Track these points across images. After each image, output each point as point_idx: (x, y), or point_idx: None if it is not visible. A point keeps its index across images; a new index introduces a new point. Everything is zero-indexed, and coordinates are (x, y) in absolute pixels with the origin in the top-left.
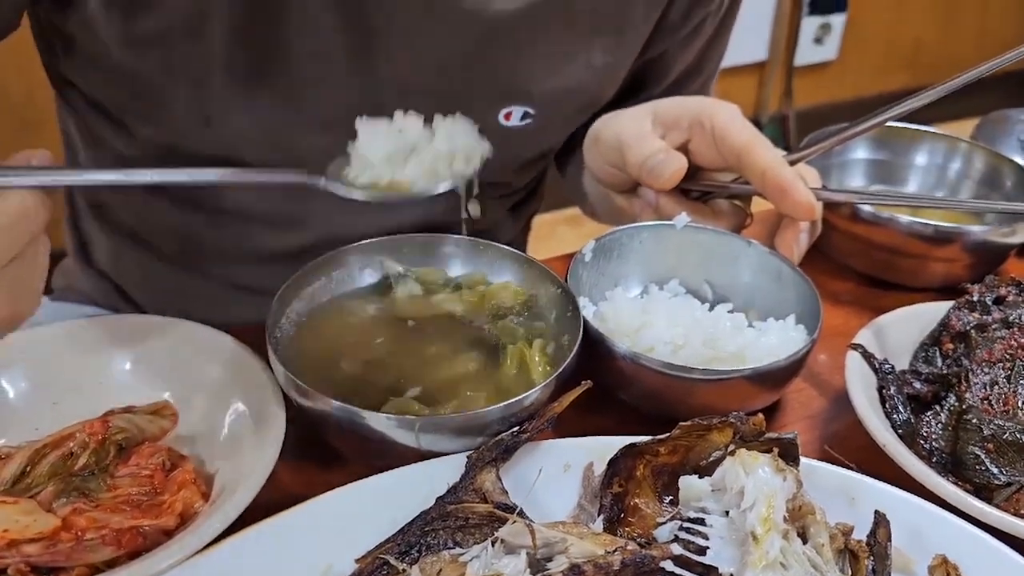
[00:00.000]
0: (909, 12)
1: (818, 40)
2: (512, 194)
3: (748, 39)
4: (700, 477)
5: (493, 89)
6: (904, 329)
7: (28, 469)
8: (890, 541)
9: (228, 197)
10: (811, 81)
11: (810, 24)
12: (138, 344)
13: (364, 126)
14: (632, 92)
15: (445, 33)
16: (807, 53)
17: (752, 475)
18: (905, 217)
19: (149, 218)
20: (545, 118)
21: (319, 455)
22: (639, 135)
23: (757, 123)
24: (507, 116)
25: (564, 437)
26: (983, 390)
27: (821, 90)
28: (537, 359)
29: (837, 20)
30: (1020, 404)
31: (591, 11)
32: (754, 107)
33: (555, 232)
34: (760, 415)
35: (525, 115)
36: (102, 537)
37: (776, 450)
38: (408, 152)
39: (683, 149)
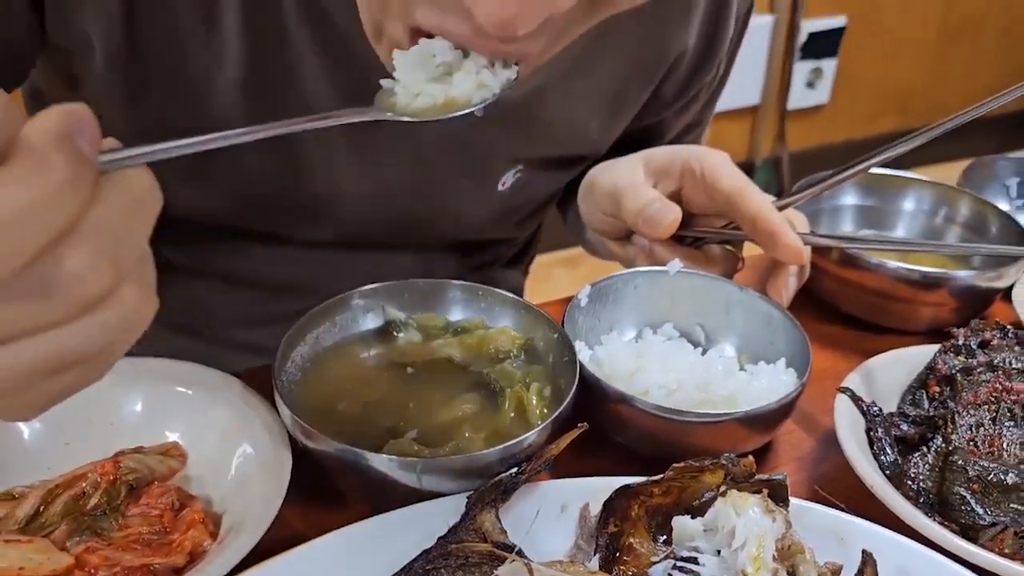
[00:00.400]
0: (899, 58)
1: (810, 84)
2: (514, 245)
3: (742, 83)
4: (693, 517)
5: (493, 160)
6: (892, 372)
7: (41, 509)
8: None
9: (239, 265)
10: (804, 124)
11: (802, 69)
12: (149, 386)
13: (398, 58)
14: (630, 149)
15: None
16: (800, 97)
17: (743, 515)
18: (893, 263)
19: (162, 287)
20: (536, 175)
21: (324, 496)
22: (634, 185)
23: (751, 165)
24: (503, 184)
25: (561, 478)
26: (969, 432)
27: (814, 133)
28: (535, 402)
29: (828, 65)
30: (1005, 445)
31: (585, 93)
32: (748, 150)
33: (551, 274)
34: (751, 457)
35: (516, 174)
36: (114, 574)
37: (766, 491)
38: (447, 71)
39: (675, 196)
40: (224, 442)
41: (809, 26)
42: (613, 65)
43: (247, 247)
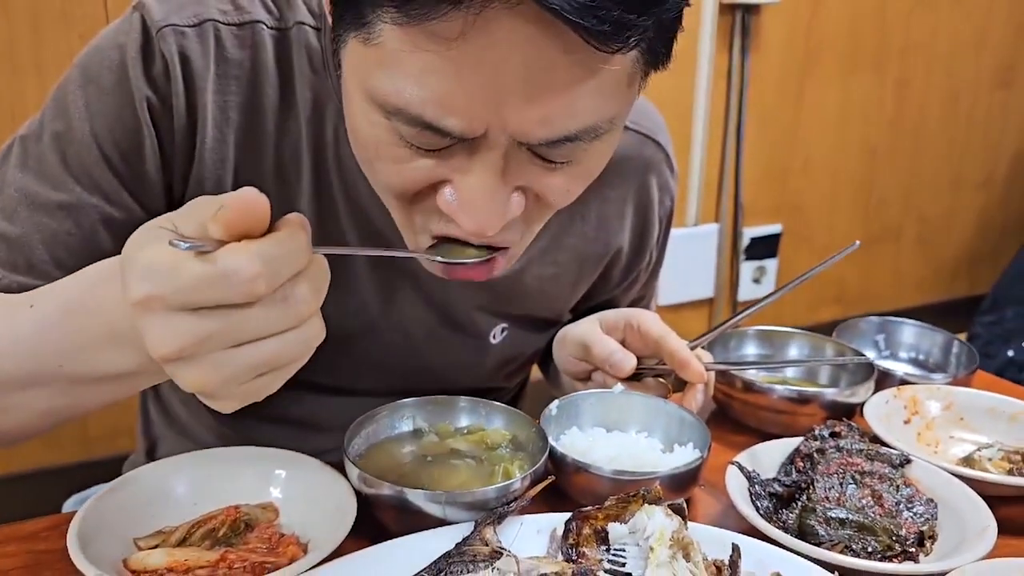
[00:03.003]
0: (831, 254)
1: (756, 280)
2: (506, 394)
3: (697, 280)
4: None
5: (488, 319)
6: (771, 454)
7: (187, 537)
8: (740, 559)
9: (293, 409)
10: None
11: (747, 267)
12: (255, 463)
13: None
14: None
15: (460, 285)
16: (747, 291)
17: (652, 518)
18: (780, 387)
19: (213, 425)
20: (518, 333)
21: (375, 528)
22: (600, 339)
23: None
24: (494, 337)
25: (538, 513)
26: (824, 492)
27: (763, 322)
28: (517, 473)
29: (770, 264)
30: (847, 500)
31: (555, 270)
32: None
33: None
34: (658, 484)
35: (504, 329)
36: (243, 567)
37: (667, 504)
38: None
39: (620, 342)
40: (309, 494)
41: (751, 232)
42: (573, 255)
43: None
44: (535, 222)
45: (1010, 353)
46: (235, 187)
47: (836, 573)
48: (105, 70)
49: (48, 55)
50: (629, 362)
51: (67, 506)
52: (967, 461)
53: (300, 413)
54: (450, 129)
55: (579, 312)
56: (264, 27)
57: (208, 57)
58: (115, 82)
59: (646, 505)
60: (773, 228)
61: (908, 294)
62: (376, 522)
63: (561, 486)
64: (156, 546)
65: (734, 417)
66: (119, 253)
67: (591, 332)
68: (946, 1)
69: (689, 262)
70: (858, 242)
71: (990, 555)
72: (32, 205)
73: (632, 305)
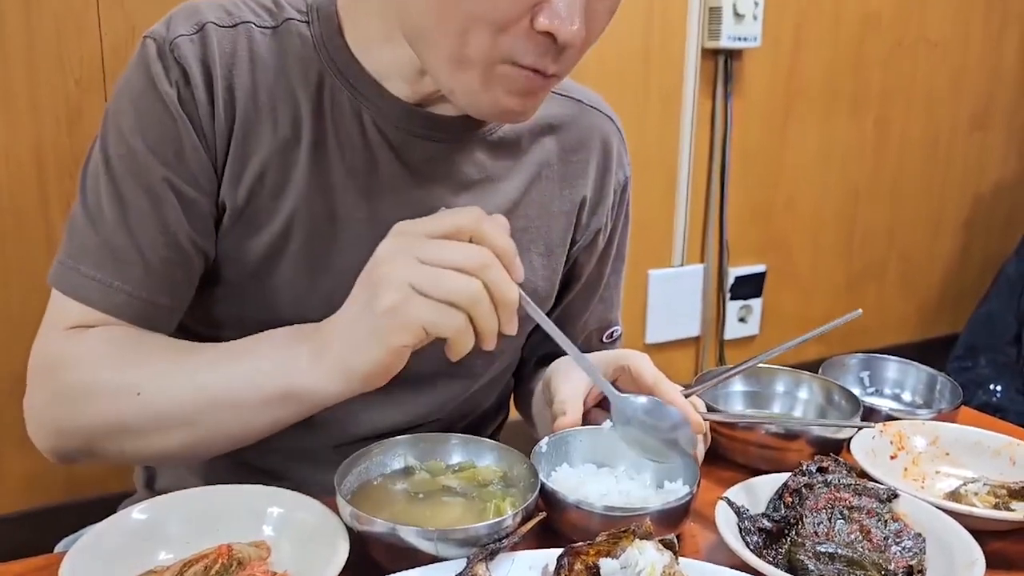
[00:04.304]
0: (814, 297)
1: (742, 319)
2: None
3: (683, 320)
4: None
5: None
6: (760, 490)
7: (179, 575)
8: None
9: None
10: (739, 352)
11: (733, 307)
12: (248, 500)
13: None
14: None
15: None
16: (734, 329)
17: (643, 553)
18: (768, 424)
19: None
20: None
21: (368, 565)
22: (564, 380)
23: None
24: None
25: (529, 550)
26: (813, 527)
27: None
28: (509, 510)
29: (756, 303)
30: (835, 535)
31: (522, 229)
32: (693, 373)
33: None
34: (648, 520)
35: None
36: None
37: (658, 539)
38: None
39: (613, 384)
40: (301, 532)
41: (736, 271)
42: (540, 210)
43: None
44: (576, 57)
45: (984, 397)
46: (245, 157)
47: None
48: (138, 93)
49: (44, 98)
50: (572, 418)
51: (58, 548)
52: (954, 496)
53: None
54: None
55: (565, 314)
56: (254, 26)
57: (212, 53)
58: (149, 99)
59: (637, 540)
60: (758, 268)
61: (892, 332)
62: (369, 560)
63: (552, 522)
64: None
65: (722, 453)
66: (194, 245)
67: (561, 374)
68: (922, 47)
69: (676, 302)
70: (860, 311)
71: None
72: (121, 217)
73: (598, 308)
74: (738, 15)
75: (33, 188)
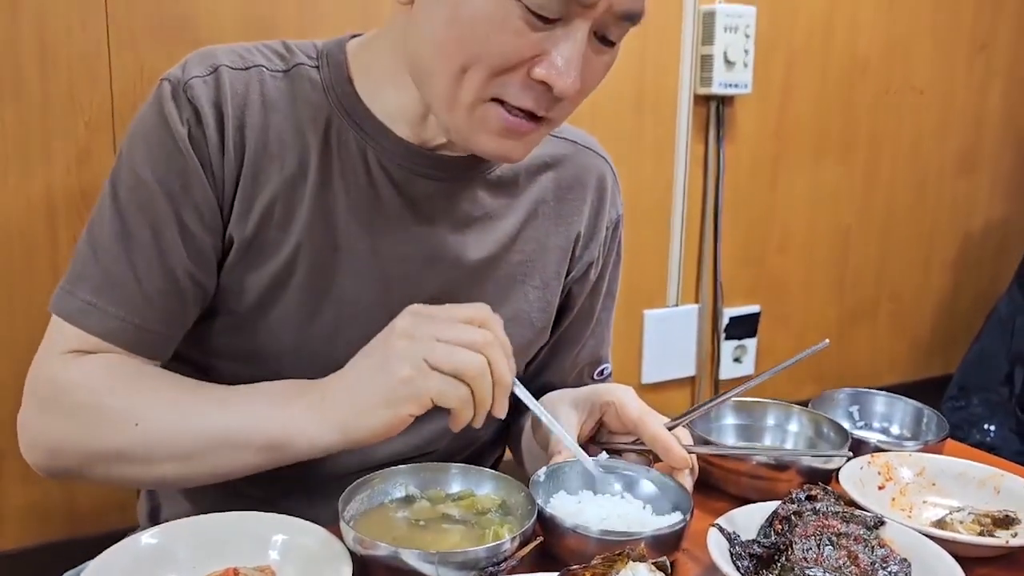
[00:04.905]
0: (807, 337)
1: (737, 359)
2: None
3: (679, 360)
4: None
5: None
6: (751, 517)
7: None
8: None
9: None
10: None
11: (728, 347)
12: (254, 527)
13: None
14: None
15: (439, 275)
16: (729, 369)
17: (636, 574)
18: (758, 455)
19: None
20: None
21: None
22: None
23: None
24: None
25: (527, 574)
26: (802, 553)
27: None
28: (507, 534)
29: (750, 343)
30: (824, 561)
31: (519, 263)
32: None
33: None
34: (642, 544)
35: None
36: None
37: (652, 561)
38: None
39: (599, 421)
40: (305, 558)
41: (730, 312)
42: (537, 245)
43: None
44: (571, 106)
45: (978, 436)
46: (253, 194)
47: None
48: (150, 129)
49: (55, 139)
50: (568, 453)
51: None
52: (940, 524)
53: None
54: None
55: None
56: (265, 69)
57: (224, 95)
58: (161, 135)
59: (631, 562)
60: (752, 308)
61: (885, 372)
62: None
63: (551, 548)
64: None
65: (714, 484)
66: (191, 279)
67: (551, 408)
68: (908, 94)
69: (671, 341)
70: (827, 341)
71: None
72: (123, 246)
73: (590, 343)
74: (729, 63)
75: (43, 224)
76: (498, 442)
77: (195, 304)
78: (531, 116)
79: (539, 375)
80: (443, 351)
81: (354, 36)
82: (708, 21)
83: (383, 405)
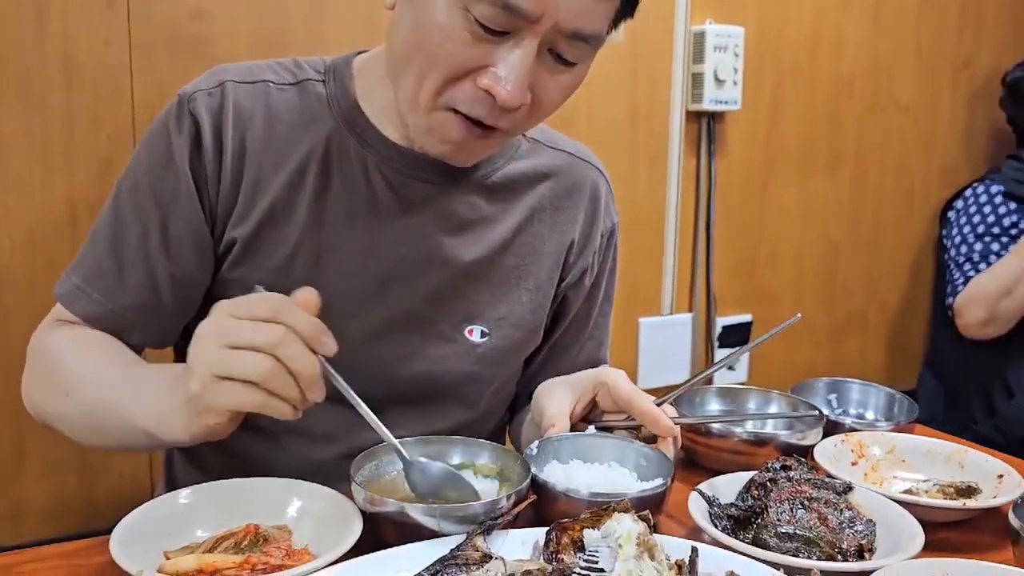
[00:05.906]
0: (799, 346)
1: (730, 367)
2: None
3: (673, 367)
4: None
5: (459, 313)
6: (731, 484)
7: (212, 549)
8: (698, 558)
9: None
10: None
11: (721, 355)
12: (271, 492)
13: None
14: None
15: (434, 275)
16: (723, 376)
17: (621, 523)
18: (738, 430)
19: (230, 448)
20: (498, 339)
21: (377, 545)
22: (550, 400)
23: None
24: (470, 332)
25: (523, 528)
26: (776, 515)
27: None
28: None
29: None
30: (796, 523)
31: (513, 267)
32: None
33: None
34: (626, 499)
35: (483, 333)
36: (264, 568)
37: (636, 513)
38: None
39: (592, 401)
40: (319, 516)
41: (723, 321)
42: (530, 249)
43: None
44: (526, 120)
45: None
46: (254, 199)
47: (781, 570)
48: (153, 137)
49: (78, 153)
50: (560, 430)
51: None
52: (907, 493)
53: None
54: (522, 8)
55: (557, 348)
56: (272, 83)
57: (227, 108)
58: (160, 145)
59: (616, 514)
60: (744, 317)
61: (874, 382)
62: (379, 540)
63: (543, 511)
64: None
65: (697, 460)
66: (171, 277)
67: (546, 393)
68: (893, 109)
69: (666, 349)
70: (799, 315)
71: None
72: (114, 240)
73: (588, 345)
74: (719, 80)
75: (66, 233)
76: (496, 439)
77: (172, 297)
78: (481, 125)
79: (539, 376)
80: (225, 360)
81: (362, 52)
82: (699, 41)
83: (180, 419)
